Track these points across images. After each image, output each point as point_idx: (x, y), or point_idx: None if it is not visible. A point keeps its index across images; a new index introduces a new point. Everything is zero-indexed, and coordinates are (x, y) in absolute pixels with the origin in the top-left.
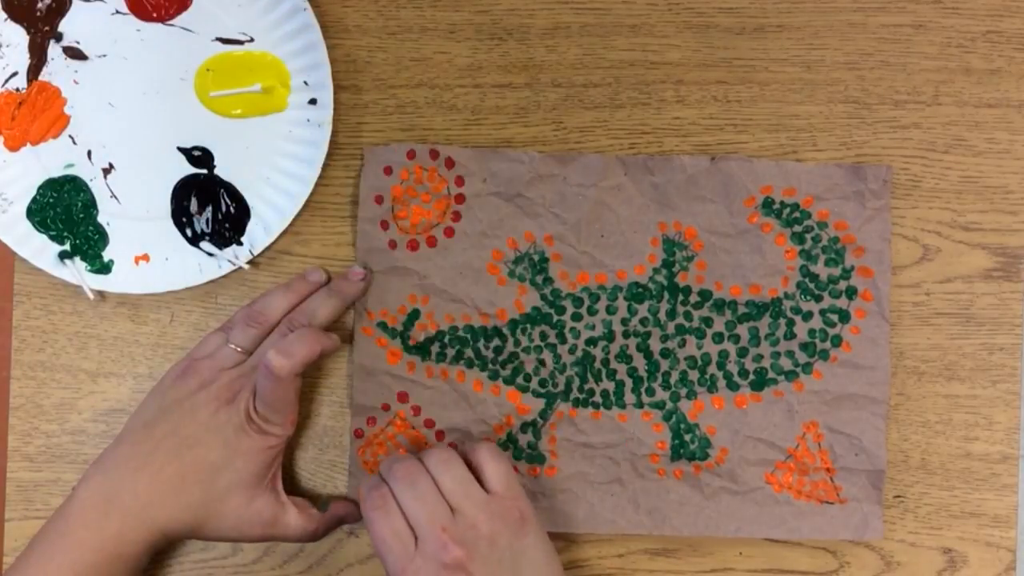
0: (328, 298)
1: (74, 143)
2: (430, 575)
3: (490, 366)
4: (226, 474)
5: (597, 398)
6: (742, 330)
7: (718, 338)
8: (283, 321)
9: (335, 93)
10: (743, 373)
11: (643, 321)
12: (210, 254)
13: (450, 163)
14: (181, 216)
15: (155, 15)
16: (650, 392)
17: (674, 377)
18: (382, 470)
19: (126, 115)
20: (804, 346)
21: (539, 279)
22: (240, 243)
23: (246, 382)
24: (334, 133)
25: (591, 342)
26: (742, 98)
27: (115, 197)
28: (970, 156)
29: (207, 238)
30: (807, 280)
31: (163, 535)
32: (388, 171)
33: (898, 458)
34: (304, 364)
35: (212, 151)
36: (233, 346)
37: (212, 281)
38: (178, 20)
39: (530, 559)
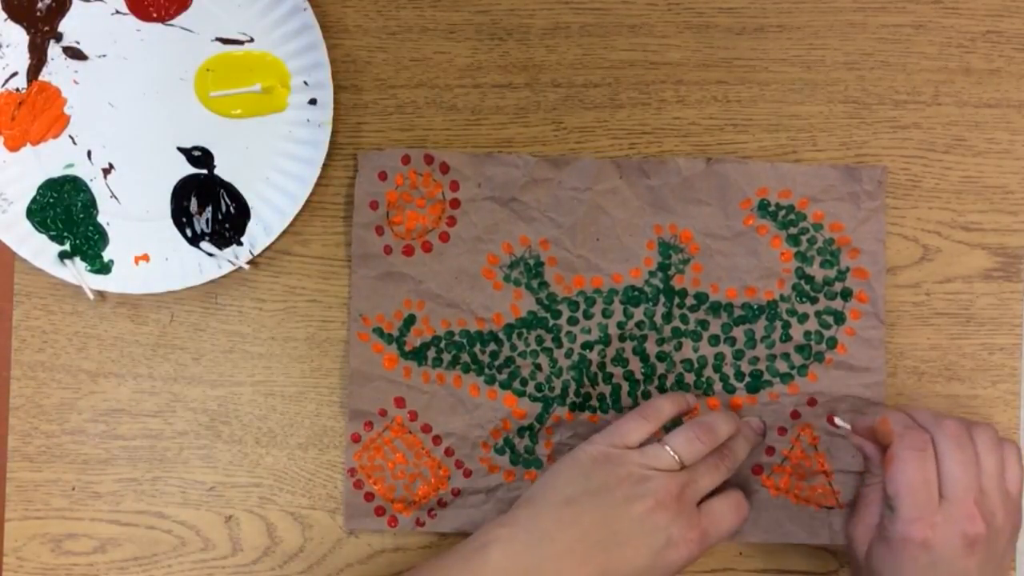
0: (745, 442)
1: (74, 143)
2: (947, 536)
3: (486, 371)
4: None
5: (594, 402)
6: (738, 333)
7: (714, 341)
8: (715, 452)
9: (335, 93)
10: (739, 376)
11: (639, 324)
12: (210, 254)
13: (445, 168)
14: (181, 216)
15: (155, 15)
16: (646, 395)
17: (670, 380)
18: (924, 420)
19: (126, 115)
20: (799, 348)
21: (535, 283)
22: (240, 243)
23: (685, 492)
24: (334, 133)
25: (587, 346)
26: (742, 98)
27: (115, 197)
28: (970, 156)
29: (207, 238)
30: (802, 282)
31: None
32: (383, 176)
33: None
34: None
35: (212, 151)
36: (672, 453)
37: (212, 281)
38: (178, 20)
39: (1008, 561)
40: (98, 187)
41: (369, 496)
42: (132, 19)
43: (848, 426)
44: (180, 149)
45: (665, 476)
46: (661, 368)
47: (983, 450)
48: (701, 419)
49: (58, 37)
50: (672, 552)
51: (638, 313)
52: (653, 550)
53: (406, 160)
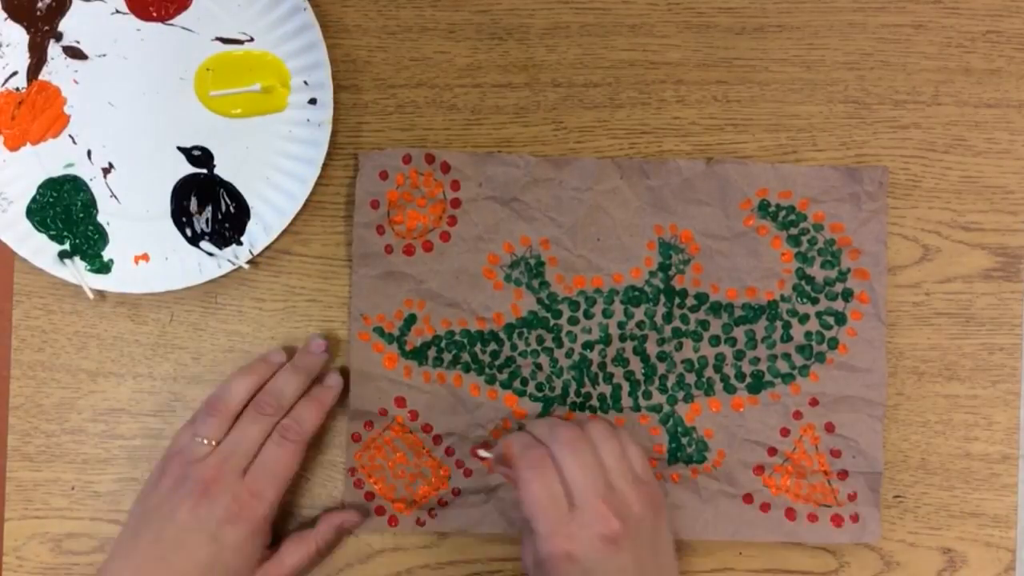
0: (293, 375)
1: (74, 143)
2: (585, 542)
3: (487, 370)
4: (218, 569)
5: (594, 402)
6: (739, 333)
7: (715, 341)
8: (250, 405)
9: (335, 93)
10: (740, 376)
11: (639, 325)
12: (210, 254)
13: (445, 167)
14: (181, 216)
15: (155, 15)
16: (647, 396)
17: (671, 380)
18: (541, 433)
19: (126, 115)
20: (800, 349)
21: (535, 283)
22: (240, 243)
23: (219, 472)
24: (334, 133)
25: (588, 346)
26: (742, 98)
27: (115, 197)
28: (970, 156)
29: (207, 238)
30: (803, 283)
31: None
32: (384, 176)
33: (898, 458)
34: (315, 430)
35: (212, 151)
36: (200, 439)
37: (212, 281)
38: (178, 20)
39: (663, 543)
40: (98, 187)
41: (369, 496)
42: (132, 19)
43: (491, 455)
44: (180, 149)
45: (200, 466)
46: (662, 368)
47: (601, 446)
48: (213, 392)
49: (58, 37)
50: (229, 531)
51: (639, 313)
52: (209, 536)
53: (407, 159)
